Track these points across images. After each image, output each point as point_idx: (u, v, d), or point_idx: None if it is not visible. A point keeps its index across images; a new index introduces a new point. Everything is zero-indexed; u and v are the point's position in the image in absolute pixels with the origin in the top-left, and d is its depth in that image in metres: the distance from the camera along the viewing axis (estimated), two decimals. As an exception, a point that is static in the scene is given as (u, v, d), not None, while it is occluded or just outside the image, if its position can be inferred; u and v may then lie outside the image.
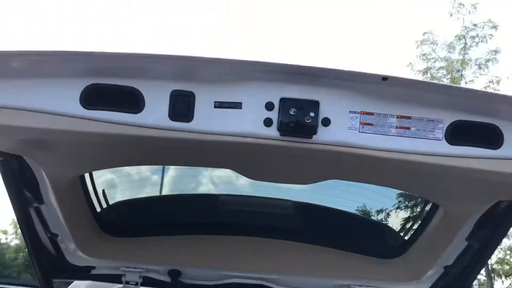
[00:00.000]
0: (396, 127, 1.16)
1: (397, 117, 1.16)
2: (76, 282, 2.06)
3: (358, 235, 1.95)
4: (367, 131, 1.16)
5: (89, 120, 1.12)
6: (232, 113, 1.18)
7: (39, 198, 1.48)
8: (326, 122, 1.17)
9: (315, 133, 1.16)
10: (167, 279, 1.99)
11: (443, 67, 12.23)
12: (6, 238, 62.57)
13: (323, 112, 1.15)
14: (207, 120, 1.17)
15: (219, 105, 1.17)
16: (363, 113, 1.15)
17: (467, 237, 1.62)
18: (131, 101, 1.14)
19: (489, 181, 1.33)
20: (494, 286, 10.17)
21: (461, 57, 11.85)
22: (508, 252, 10.06)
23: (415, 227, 1.90)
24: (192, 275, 1.98)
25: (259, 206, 1.53)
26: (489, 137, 1.20)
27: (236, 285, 1.98)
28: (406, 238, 1.92)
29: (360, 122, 1.16)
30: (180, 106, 1.16)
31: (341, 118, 1.17)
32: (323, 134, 1.16)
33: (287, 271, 2.00)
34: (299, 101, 1.15)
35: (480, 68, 11.80)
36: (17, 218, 1.51)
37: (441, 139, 1.19)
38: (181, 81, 1.15)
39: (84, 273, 1.99)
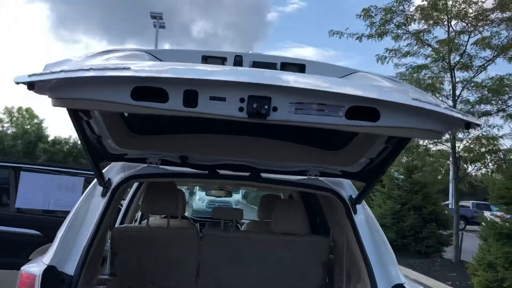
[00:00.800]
0: (316, 110, 1.87)
1: (317, 104, 1.87)
2: (113, 163, 2.88)
3: (314, 135, 2.73)
4: (299, 113, 1.88)
5: (135, 106, 1.84)
6: (220, 104, 1.85)
7: (90, 116, 2.16)
8: (275, 109, 1.86)
9: (268, 115, 1.85)
10: (178, 161, 2.80)
11: None
12: (3, 126, 64.63)
13: (273, 103, 1.84)
14: (206, 107, 1.84)
15: (213, 98, 1.84)
16: (296, 103, 1.87)
17: (384, 143, 2.38)
18: (161, 96, 1.80)
19: (373, 136, 2.38)
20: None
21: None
22: (475, 141, 11.66)
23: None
24: (196, 159, 2.80)
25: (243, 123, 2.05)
26: (371, 115, 1.87)
27: (226, 165, 2.79)
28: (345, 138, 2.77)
29: (294, 108, 1.87)
30: (189, 99, 1.81)
31: (284, 106, 1.86)
32: (273, 116, 1.87)
33: (263, 157, 2.82)
34: (259, 97, 1.83)
35: None
36: (76, 129, 2.11)
37: (342, 116, 1.88)
38: (190, 85, 1.80)
39: (119, 158, 2.78)
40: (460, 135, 11.69)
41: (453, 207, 13.01)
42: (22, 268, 2.22)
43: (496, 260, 7.96)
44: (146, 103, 1.82)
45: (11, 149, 59.17)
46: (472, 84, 11.56)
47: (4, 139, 63.22)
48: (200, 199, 16.07)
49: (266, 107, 1.82)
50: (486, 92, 11.36)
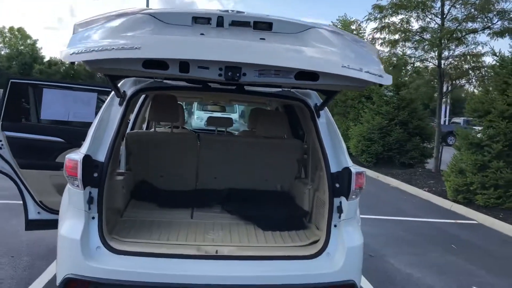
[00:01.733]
0: (274, 74, 2.52)
1: (275, 70, 2.51)
2: (126, 79, 3.30)
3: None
4: (261, 76, 2.52)
5: (145, 72, 2.52)
6: (205, 71, 2.46)
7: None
8: (244, 74, 2.47)
9: (240, 79, 2.47)
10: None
11: None
12: None
13: (243, 71, 2.46)
14: (195, 73, 2.48)
15: (200, 67, 2.45)
16: (259, 70, 2.49)
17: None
18: (163, 66, 2.44)
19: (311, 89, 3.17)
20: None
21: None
22: (461, 58, 12.33)
23: None
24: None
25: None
26: (313, 76, 2.53)
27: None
28: None
29: (258, 73, 2.50)
30: (183, 67, 2.45)
31: (251, 72, 2.49)
32: (243, 79, 2.48)
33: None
34: (233, 67, 2.43)
35: None
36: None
37: (292, 78, 2.56)
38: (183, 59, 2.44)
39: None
40: (445, 53, 12.17)
41: (448, 124, 13.70)
42: (66, 156, 2.90)
43: (466, 167, 8.83)
44: (153, 70, 2.47)
45: (7, 70, 58.77)
46: (460, 1, 11.80)
47: (-1, 60, 62.51)
48: (198, 118, 16.76)
49: (237, 74, 2.44)
50: (472, 10, 11.64)
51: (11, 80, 4.29)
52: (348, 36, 2.76)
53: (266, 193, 4.18)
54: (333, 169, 2.98)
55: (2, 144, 4.27)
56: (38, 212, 4.51)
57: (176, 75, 2.54)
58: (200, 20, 2.61)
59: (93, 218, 2.77)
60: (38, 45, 70.25)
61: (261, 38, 2.58)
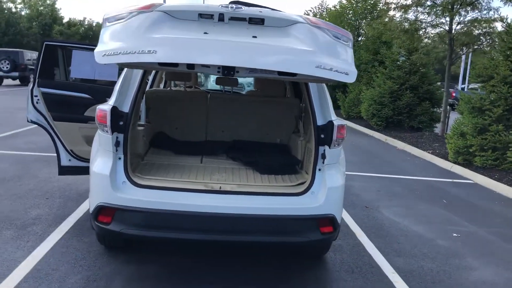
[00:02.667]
0: (260, 71, 3.26)
1: (261, 70, 3.17)
2: None
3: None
4: (251, 73, 3.30)
5: (161, 67, 3.48)
6: (207, 68, 3.16)
7: None
8: (237, 72, 3.14)
9: (234, 75, 3.14)
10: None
11: None
12: (16, 7, 66.59)
13: (236, 69, 3.11)
14: (199, 69, 3.28)
15: (203, 65, 3.14)
16: (250, 69, 3.18)
17: None
18: (174, 64, 3.21)
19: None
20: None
21: None
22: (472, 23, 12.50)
23: None
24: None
25: None
26: (292, 73, 3.17)
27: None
28: None
29: (249, 71, 3.21)
30: (190, 66, 3.21)
31: (243, 70, 3.17)
32: (237, 75, 3.20)
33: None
34: (229, 67, 3.04)
35: None
36: None
37: (275, 74, 3.28)
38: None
39: None
40: (456, 18, 12.31)
41: (466, 90, 13.82)
42: (98, 106, 3.48)
43: (467, 130, 9.24)
44: (166, 67, 3.26)
45: (27, 31, 59.51)
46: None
47: (20, 21, 63.17)
48: (214, 80, 17.26)
49: (232, 72, 3.08)
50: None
51: (45, 43, 4.86)
52: (329, 31, 3.03)
53: (267, 145, 4.76)
54: (319, 122, 3.51)
55: (38, 99, 4.88)
56: (69, 160, 5.16)
57: (184, 71, 3.42)
58: (205, 15, 2.95)
59: (119, 158, 3.37)
60: (57, 5, 70.65)
61: (253, 36, 2.90)
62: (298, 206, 3.35)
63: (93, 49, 4.07)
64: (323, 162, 3.44)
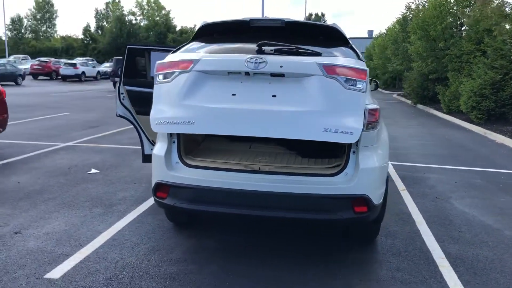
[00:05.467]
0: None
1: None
2: None
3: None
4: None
5: None
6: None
7: None
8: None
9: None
10: None
11: None
12: (136, 19, 72.55)
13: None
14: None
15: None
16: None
17: None
18: None
19: None
20: None
21: None
22: None
23: None
24: None
25: None
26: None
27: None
28: None
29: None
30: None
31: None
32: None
33: None
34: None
35: None
36: None
37: None
38: None
39: None
40: None
41: None
42: None
43: None
44: None
45: (145, 40, 64.82)
46: None
47: (139, 31, 68.99)
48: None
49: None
50: None
51: (128, 46, 5.57)
52: (342, 79, 3.34)
53: None
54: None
55: (123, 96, 5.61)
56: (151, 149, 5.83)
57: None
58: (233, 73, 3.46)
59: (174, 142, 3.87)
60: (171, 15, 75.93)
61: (273, 96, 3.38)
62: (331, 186, 3.56)
63: (169, 50, 4.59)
64: (357, 145, 3.61)
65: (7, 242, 4.19)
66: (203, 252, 4.12)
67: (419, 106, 21.28)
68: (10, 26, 74.22)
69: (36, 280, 3.50)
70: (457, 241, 4.53)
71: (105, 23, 74.30)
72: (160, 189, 3.82)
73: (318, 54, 3.60)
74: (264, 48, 3.59)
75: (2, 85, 28.78)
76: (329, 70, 3.35)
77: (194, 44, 4.01)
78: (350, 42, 4.00)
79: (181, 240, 4.35)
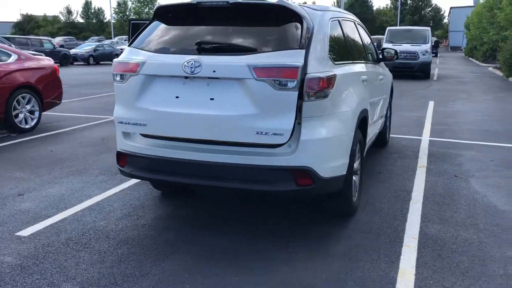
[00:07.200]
0: None
1: None
2: None
3: None
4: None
5: None
6: None
7: None
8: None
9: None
10: None
11: None
12: None
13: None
14: None
15: None
16: None
17: None
18: None
19: None
20: None
21: None
22: None
23: None
24: None
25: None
26: None
27: None
28: None
29: None
30: None
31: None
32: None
33: None
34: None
35: None
36: None
37: None
38: None
39: None
40: None
41: None
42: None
43: None
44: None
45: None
46: None
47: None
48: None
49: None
50: None
51: (131, 22, 5.80)
52: (274, 80, 3.33)
53: None
54: (301, 77, 3.47)
55: None
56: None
57: None
58: (175, 77, 3.58)
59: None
60: None
61: (211, 98, 3.47)
62: (271, 157, 3.47)
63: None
64: (301, 116, 3.45)
65: (6, 202, 4.67)
66: (171, 220, 4.24)
67: (511, 79, 19.37)
68: (116, 9, 79.72)
69: (7, 236, 3.88)
70: (444, 222, 4.18)
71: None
72: (120, 157, 4.00)
73: (253, 50, 3.46)
74: (203, 46, 3.59)
75: (101, 63, 31.66)
76: (259, 73, 3.34)
77: (150, 30, 3.99)
78: (306, 15, 3.69)
79: (158, 209, 4.52)
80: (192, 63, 3.48)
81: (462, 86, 17.14)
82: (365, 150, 4.87)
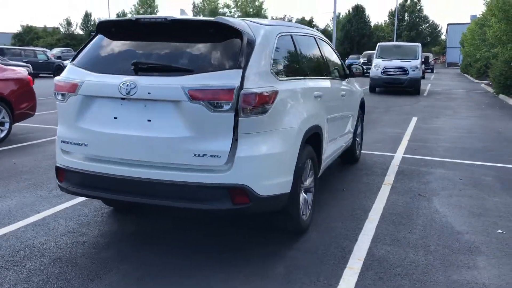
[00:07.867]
0: None
1: None
2: None
3: None
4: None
5: None
6: None
7: None
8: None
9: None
10: None
11: None
12: (230, 12, 72.94)
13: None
14: None
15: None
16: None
17: None
18: None
19: None
20: None
21: None
22: None
23: None
24: None
25: None
26: None
27: None
28: None
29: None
30: None
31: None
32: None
33: None
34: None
35: None
36: None
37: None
38: None
39: None
40: None
41: None
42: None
43: None
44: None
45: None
46: None
47: (231, 23, 70.38)
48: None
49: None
50: None
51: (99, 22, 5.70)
52: (209, 102, 3.26)
53: None
54: (236, 97, 3.27)
55: None
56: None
57: None
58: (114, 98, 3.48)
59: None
60: (264, 6, 76.71)
61: (148, 120, 3.40)
62: (208, 175, 3.35)
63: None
64: (238, 132, 3.34)
65: (-50, 217, 4.54)
66: (115, 237, 4.11)
67: (501, 96, 19.34)
68: (115, 22, 79.89)
69: None
70: (395, 243, 4.04)
71: (201, 16, 77.14)
72: (58, 172, 3.88)
73: (190, 71, 3.36)
74: (139, 66, 3.48)
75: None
76: (194, 95, 3.26)
77: (92, 46, 3.90)
78: (248, 30, 3.59)
79: (104, 225, 4.39)
80: (128, 84, 3.39)
81: (450, 102, 17.09)
82: (322, 167, 4.75)
